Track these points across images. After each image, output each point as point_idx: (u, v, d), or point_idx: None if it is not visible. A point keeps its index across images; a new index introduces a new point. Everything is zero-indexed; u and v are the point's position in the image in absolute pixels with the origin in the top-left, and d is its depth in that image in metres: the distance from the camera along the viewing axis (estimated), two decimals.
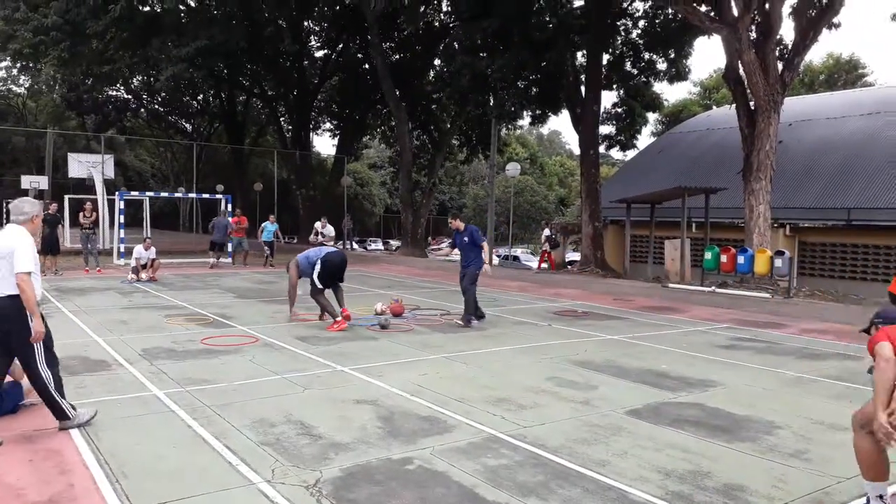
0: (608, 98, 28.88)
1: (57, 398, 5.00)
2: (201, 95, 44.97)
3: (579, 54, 24.83)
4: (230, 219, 20.99)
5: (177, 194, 33.81)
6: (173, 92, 38.20)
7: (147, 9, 29.13)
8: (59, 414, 5.03)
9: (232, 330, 9.45)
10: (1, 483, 4.11)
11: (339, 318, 9.71)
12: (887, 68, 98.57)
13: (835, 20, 17.82)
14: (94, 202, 20.93)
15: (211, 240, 20.65)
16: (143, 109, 47.85)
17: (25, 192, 41.27)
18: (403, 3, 25.25)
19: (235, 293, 13.81)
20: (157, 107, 47.37)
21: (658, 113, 37.80)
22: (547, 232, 25.35)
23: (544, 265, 24.35)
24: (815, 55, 43.52)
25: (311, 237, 19.73)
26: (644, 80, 26.13)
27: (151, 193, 32.11)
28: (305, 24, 36.08)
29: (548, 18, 23.19)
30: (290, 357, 7.79)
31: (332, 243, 14.70)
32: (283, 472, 4.31)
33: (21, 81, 50.43)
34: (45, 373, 4.94)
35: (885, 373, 3.46)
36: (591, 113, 23.12)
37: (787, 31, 65.52)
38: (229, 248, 21.28)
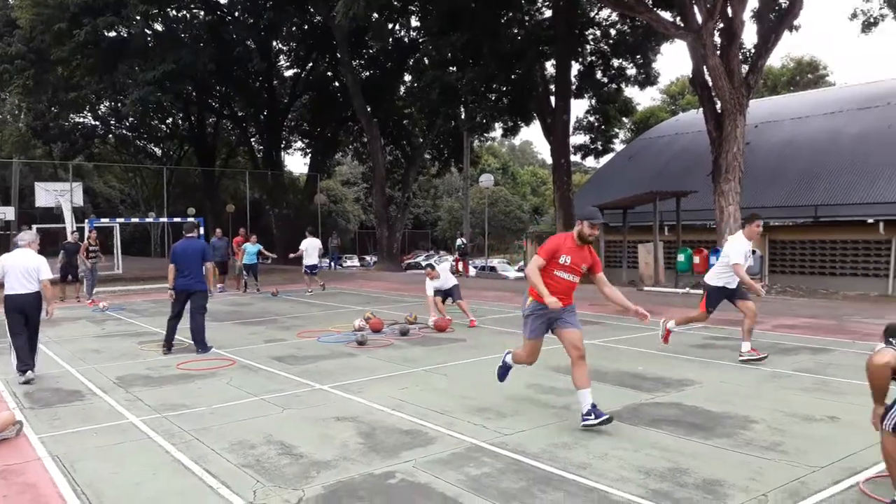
0: (580, 107, 29.25)
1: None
2: (170, 119, 44.52)
3: (549, 65, 25.06)
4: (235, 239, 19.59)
5: (147, 219, 33.40)
6: (141, 116, 37.78)
7: (113, 34, 28.93)
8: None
9: (207, 353, 9.35)
10: None
11: None
12: (846, 67, 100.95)
13: (795, 22, 18.28)
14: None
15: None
16: (110, 135, 47.14)
17: None
18: (371, 21, 25.35)
19: (209, 317, 13.63)
20: (125, 132, 46.74)
21: (631, 118, 38.27)
22: (459, 241, 27.96)
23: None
24: (775, 59, 44.33)
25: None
26: (616, 86, 26.46)
27: (122, 220, 31.67)
28: (274, 43, 36.07)
29: (516, 31, 23.44)
30: (268, 378, 7.73)
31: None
32: (265, 493, 4.28)
33: None
34: None
35: None
36: (562, 122, 23.34)
37: (749, 36, 66.78)
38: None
